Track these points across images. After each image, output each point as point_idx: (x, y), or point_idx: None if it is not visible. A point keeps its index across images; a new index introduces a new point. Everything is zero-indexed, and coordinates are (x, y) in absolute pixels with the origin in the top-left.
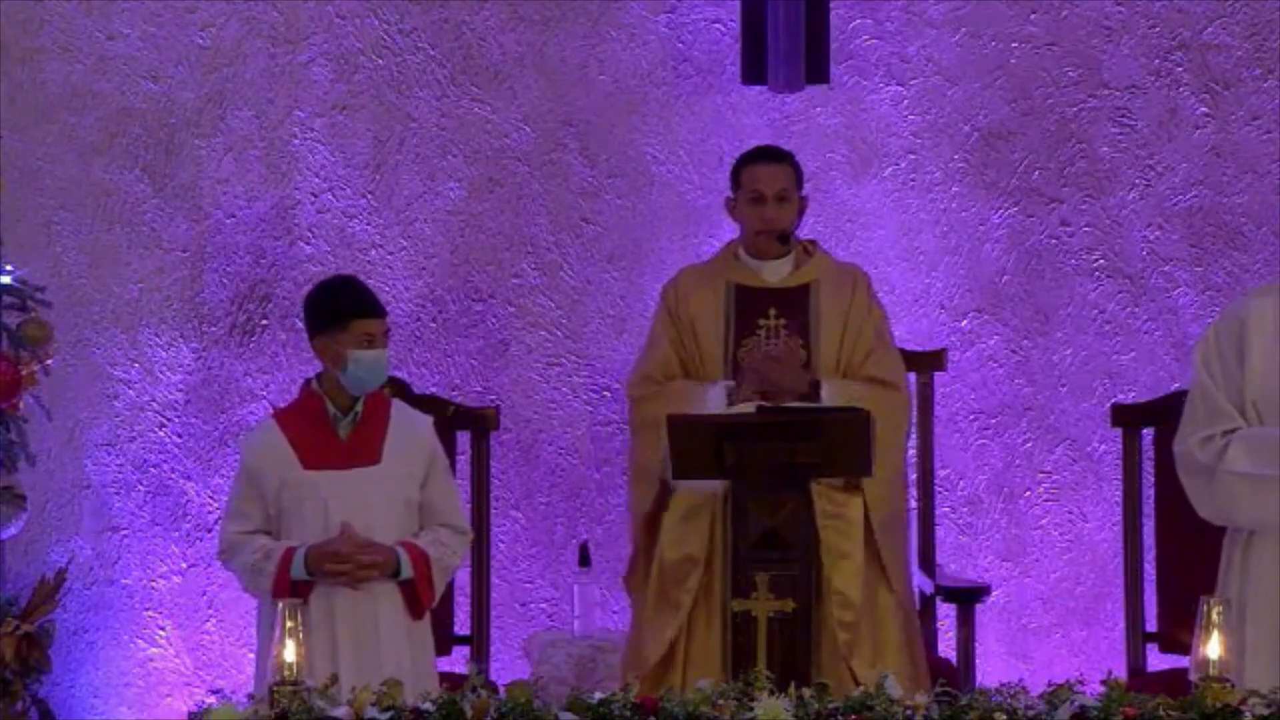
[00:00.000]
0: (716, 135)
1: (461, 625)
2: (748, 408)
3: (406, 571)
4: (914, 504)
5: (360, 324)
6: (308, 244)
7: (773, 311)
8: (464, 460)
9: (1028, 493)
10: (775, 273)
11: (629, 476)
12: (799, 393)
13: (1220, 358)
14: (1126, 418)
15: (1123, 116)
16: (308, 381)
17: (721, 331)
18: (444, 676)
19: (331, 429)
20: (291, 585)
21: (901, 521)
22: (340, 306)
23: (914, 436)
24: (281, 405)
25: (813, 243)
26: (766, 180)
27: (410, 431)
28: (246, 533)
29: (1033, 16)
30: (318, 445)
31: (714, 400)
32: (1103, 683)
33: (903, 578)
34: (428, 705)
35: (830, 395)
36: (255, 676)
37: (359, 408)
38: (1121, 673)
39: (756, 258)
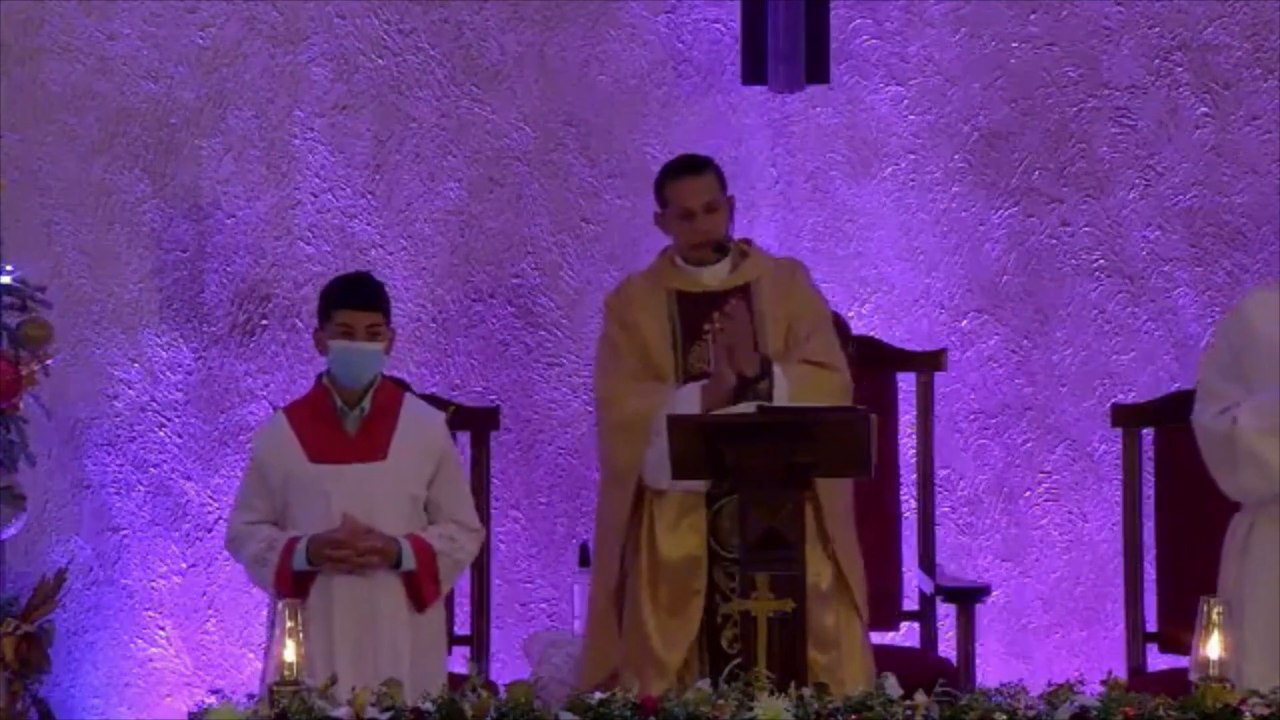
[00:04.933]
0: (716, 135)
1: (461, 625)
2: (748, 408)
3: (408, 563)
4: (913, 504)
5: (341, 314)
6: (308, 244)
7: (716, 315)
8: (464, 460)
9: (1028, 493)
10: (715, 276)
11: (602, 482)
12: (751, 373)
13: (1228, 348)
14: (1126, 418)
15: (1123, 116)
16: (320, 376)
17: (669, 340)
18: None
19: (339, 423)
20: (294, 576)
21: (850, 509)
22: (328, 297)
23: (914, 436)
24: (281, 404)
25: (747, 241)
26: (693, 195)
27: (420, 429)
28: (252, 523)
29: (1033, 16)
30: (324, 439)
31: (686, 398)
32: (1103, 683)
33: (857, 569)
34: (428, 705)
35: (779, 376)
36: (261, 675)
37: (366, 402)
38: (1121, 673)
39: (694, 264)
